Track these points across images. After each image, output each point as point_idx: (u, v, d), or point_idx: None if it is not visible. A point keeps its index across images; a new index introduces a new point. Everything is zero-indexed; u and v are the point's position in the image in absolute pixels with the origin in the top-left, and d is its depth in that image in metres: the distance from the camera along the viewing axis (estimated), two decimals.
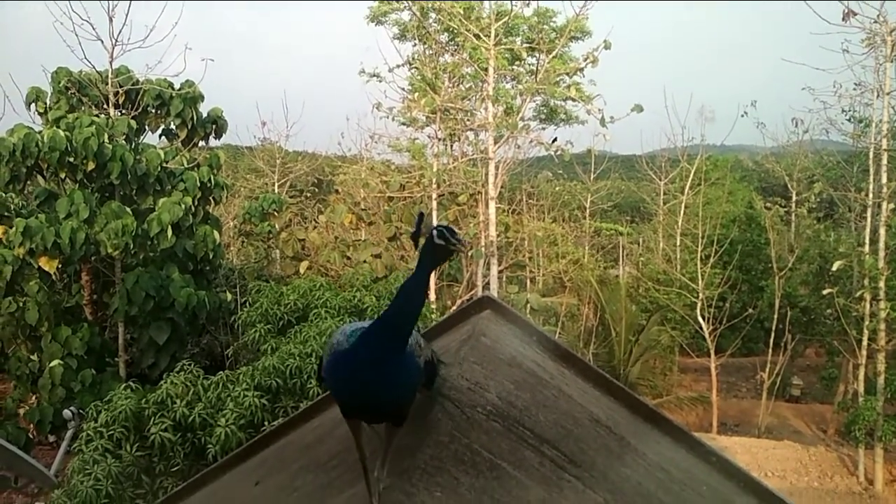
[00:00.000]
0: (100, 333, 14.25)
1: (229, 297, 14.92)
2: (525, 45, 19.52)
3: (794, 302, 23.06)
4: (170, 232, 13.47)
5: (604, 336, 21.68)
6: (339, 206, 19.51)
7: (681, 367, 25.51)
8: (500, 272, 18.79)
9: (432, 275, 16.46)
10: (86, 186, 13.61)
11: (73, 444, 9.46)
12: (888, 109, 17.98)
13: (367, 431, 2.08)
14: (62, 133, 12.84)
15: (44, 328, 13.68)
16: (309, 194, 28.73)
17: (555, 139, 18.28)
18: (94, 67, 14.99)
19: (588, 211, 30.11)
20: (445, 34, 20.91)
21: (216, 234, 14.92)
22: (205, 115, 15.98)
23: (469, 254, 18.88)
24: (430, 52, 21.38)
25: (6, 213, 13.77)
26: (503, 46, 18.46)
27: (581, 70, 18.67)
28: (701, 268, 21.37)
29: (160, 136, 16.41)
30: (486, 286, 17.77)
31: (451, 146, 21.05)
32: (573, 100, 19.33)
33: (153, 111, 15.77)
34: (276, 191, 24.82)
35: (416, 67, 20.65)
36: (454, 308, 14.51)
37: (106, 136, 13.29)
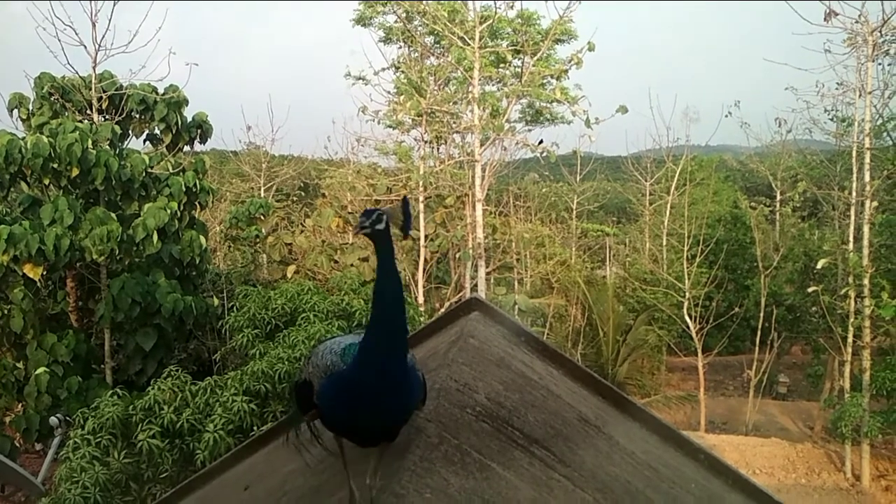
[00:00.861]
0: (86, 340, 14.13)
1: (216, 301, 14.84)
2: (510, 48, 19.58)
3: (779, 300, 23.23)
4: (155, 237, 13.39)
5: (591, 336, 21.77)
6: (326, 209, 19.48)
7: (668, 367, 25.65)
8: (487, 274, 18.81)
9: (420, 277, 16.46)
10: (70, 192, 13.50)
11: (60, 451, 9.38)
12: (870, 108, 18.15)
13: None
14: (45, 139, 12.74)
15: (29, 335, 13.56)
16: (295, 198, 28.66)
17: (541, 141, 18.34)
18: (77, 73, 14.90)
19: (575, 212, 30.22)
20: (430, 37, 20.94)
21: (202, 238, 14.85)
22: (189, 119, 15.90)
23: (458, 255, 18.91)
24: (416, 55, 21.41)
25: None
26: (488, 49, 18.51)
27: (566, 72, 18.74)
28: (687, 267, 21.49)
29: (145, 141, 16.32)
30: (474, 288, 17.78)
31: (438, 149, 21.09)
32: (558, 101, 19.40)
33: (137, 116, 15.67)
34: (263, 195, 24.73)
35: (401, 70, 20.69)
36: (442, 310, 14.51)
37: (90, 141, 13.19)
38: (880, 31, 17.50)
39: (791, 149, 27.36)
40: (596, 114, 17.95)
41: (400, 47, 21.77)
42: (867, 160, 18.15)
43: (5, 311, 13.41)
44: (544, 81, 19.28)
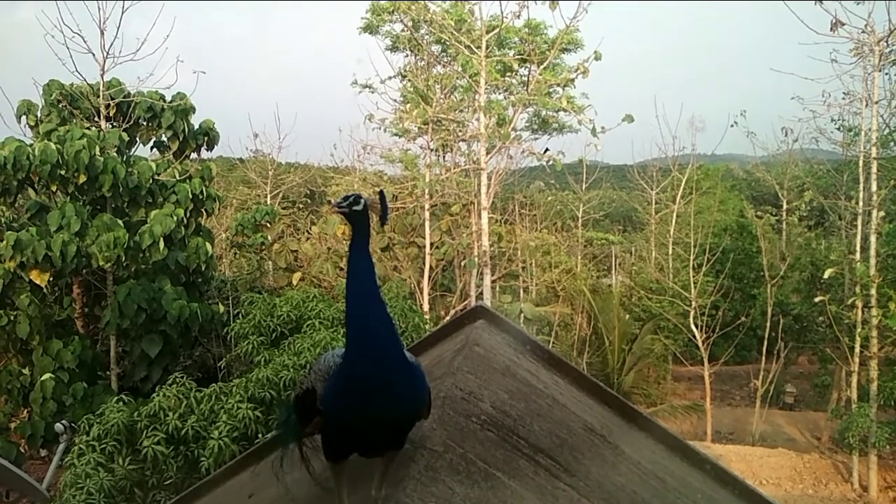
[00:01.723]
0: (91, 346, 14.16)
1: (222, 308, 14.86)
2: (516, 57, 19.61)
3: (786, 310, 23.15)
4: (162, 244, 13.42)
5: (597, 345, 21.71)
6: (332, 217, 19.49)
7: (674, 376, 25.55)
8: (493, 282, 18.81)
9: (425, 285, 16.45)
10: (77, 199, 13.55)
11: (65, 457, 9.39)
12: (877, 118, 18.13)
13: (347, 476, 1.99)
14: (53, 146, 12.80)
15: (35, 341, 13.60)
16: (301, 205, 28.73)
17: (546, 149, 18.35)
18: (85, 80, 14.96)
19: (580, 220, 30.20)
20: (437, 46, 21.00)
21: (208, 245, 14.88)
22: (196, 127, 15.96)
23: (463, 263, 18.90)
24: (422, 63, 21.47)
25: None
26: (495, 58, 18.54)
27: (572, 81, 18.77)
28: (693, 276, 21.45)
29: (152, 148, 16.39)
30: (480, 296, 17.77)
31: (444, 157, 21.11)
32: (565, 110, 19.42)
33: (145, 123, 15.74)
34: (269, 202, 24.79)
35: (408, 79, 20.74)
36: (448, 318, 14.48)
37: (97, 148, 13.25)
38: (887, 41, 17.50)
39: (797, 158, 27.33)
40: (602, 122, 18.03)
41: (406, 55, 21.85)
42: (874, 170, 18.11)
43: (12, 317, 13.45)
44: (551, 90, 19.30)
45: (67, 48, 14.10)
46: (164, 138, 15.97)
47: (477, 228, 17.99)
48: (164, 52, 18.51)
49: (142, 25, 16.08)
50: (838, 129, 20.15)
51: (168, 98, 15.55)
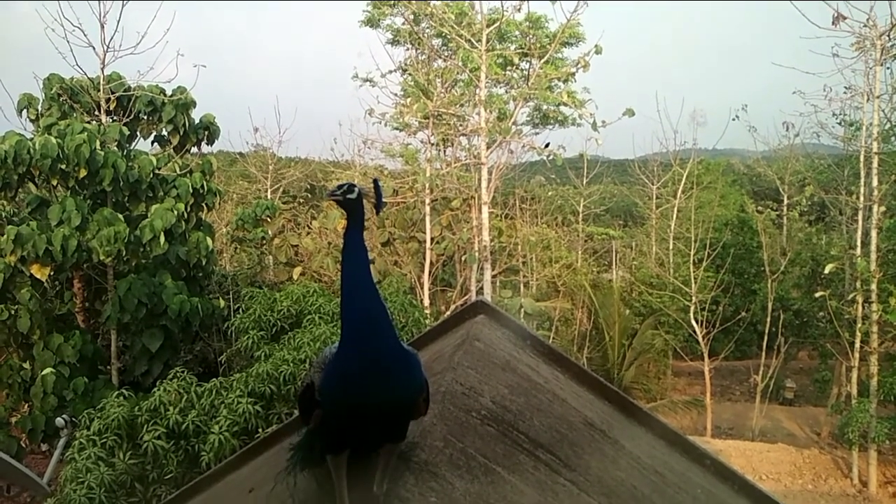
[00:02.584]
0: (92, 341, 14.17)
1: (222, 303, 14.87)
2: (517, 51, 19.59)
3: (786, 305, 23.14)
4: (162, 238, 13.42)
5: (597, 340, 21.73)
6: (333, 211, 19.49)
7: (674, 371, 25.57)
8: (493, 277, 18.81)
9: (426, 280, 16.44)
10: (78, 193, 13.55)
11: (66, 452, 9.41)
12: (878, 113, 18.09)
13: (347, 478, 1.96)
14: (54, 140, 12.79)
15: (36, 336, 13.60)
16: (302, 200, 28.69)
17: (547, 144, 18.35)
18: (85, 74, 14.96)
19: (581, 215, 30.19)
20: (438, 39, 20.96)
21: (209, 240, 14.88)
22: (197, 121, 15.95)
23: (463, 258, 18.89)
24: (423, 57, 21.43)
25: None
26: (495, 52, 18.52)
27: (573, 75, 18.73)
28: (694, 271, 21.44)
29: (152, 142, 16.37)
30: (480, 291, 17.77)
31: (444, 151, 21.10)
32: (565, 105, 19.40)
33: (145, 117, 15.73)
34: (269, 197, 24.77)
35: (408, 73, 20.71)
36: (448, 313, 14.49)
37: (98, 142, 13.24)
38: (888, 35, 17.45)
39: (799, 153, 27.33)
40: (603, 117, 17.97)
41: (407, 49, 21.80)
42: (875, 164, 18.08)
43: (12, 312, 13.45)
44: (551, 84, 19.27)
45: (68, 42, 14.09)
46: (164, 132, 15.96)
47: (477, 223, 17.98)
48: (165, 45, 18.52)
49: (142, 19, 16.05)
50: (839, 123, 20.13)
51: (168, 92, 15.53)
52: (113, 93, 14.89)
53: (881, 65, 17.75)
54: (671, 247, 26.26)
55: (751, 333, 24.52)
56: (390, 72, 20.73)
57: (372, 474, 1.92)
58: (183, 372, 9.23)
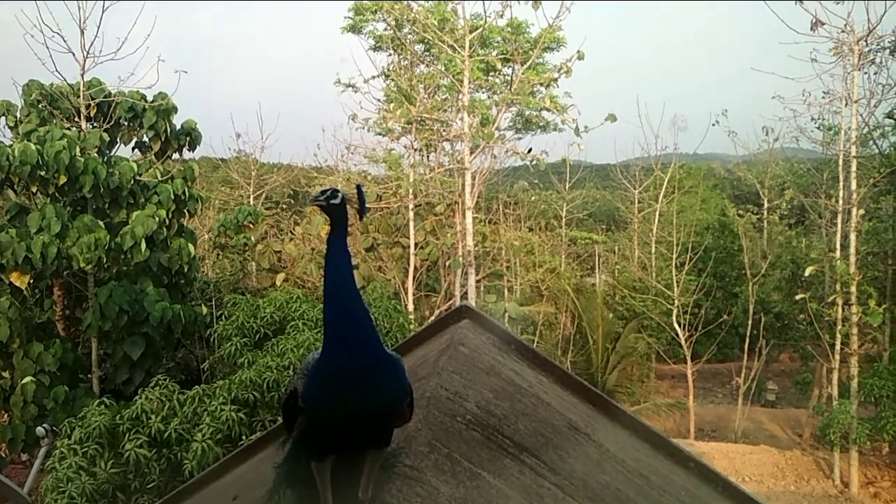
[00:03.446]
0: (73, 349, 14.03)
1: (205, 310, 14.76)
2: (499, 56, 19.65)
3: (767, 308, 23.36)
4: (143, 245, 13.32)
5: (581, 344, 21.79)
6: (316, 217, 19.42)
7: (658, 374, 25.71)
8: (477, 282, 18.82)
9: (410, 285, 16.41)
10: (58, 200, 13.42)
11: (47, 461, 9.30)
12: (856, 117, 18.33)
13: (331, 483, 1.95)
14: (33, 146, 12.67)
15: (15, 344, 13.45)
16: (285, 206, 28.59)
17: (530, 149, 18.40)
18: (65, 80, 14.83)
19: (564, 220, 30.31)
20: (420, 45, 20.99)
21: (191, 246, 14.78)
22: (178, 127, 15.85)
23: (447, 263, 18.90)
24: (406, 62, 21.45)
25: None
26: (478, 57, 18.57)
27: (555, 80, 18.82)
28: (676, 275, 21.59)
29: (133, 148, 16.23)
30: (464, 296, 17.78)
31: (428, 157, 21.13)
32: (548, 110, 19.48)
33: (126, 124, 15.60)
34: (252, 203, 24.67)
35: (391, 78, 20.73)
36: (432, 318, 14.49)
37: (78, 149, 13.13)
38: (866, 41, 17.71)
39: (778, 157, 27.58)
40: (585, 122, 18.09)
41: (390, 55, 21.82)
42: (853, 168, 18.31)
43: None
44: (534, 89, 19.35)
45: (47, 48, 13.96)
46: (145, 138, 15.82)
47: (461, 228, 18.00)
48: (145, 51, 18.42)
49: (122, 24, 15.97)
50: (818, 128, 20.35)
51: (149, 98, 15.43)
52: (93, 99, 14.77)
53: (859, 69, 18.01)
54: (653, 251, 26.42)
55: (732, 336, 24.74)
56: (373, 77, 20.75)
57: (357, 480, 1.91)
58: (165, 380, 9.16)
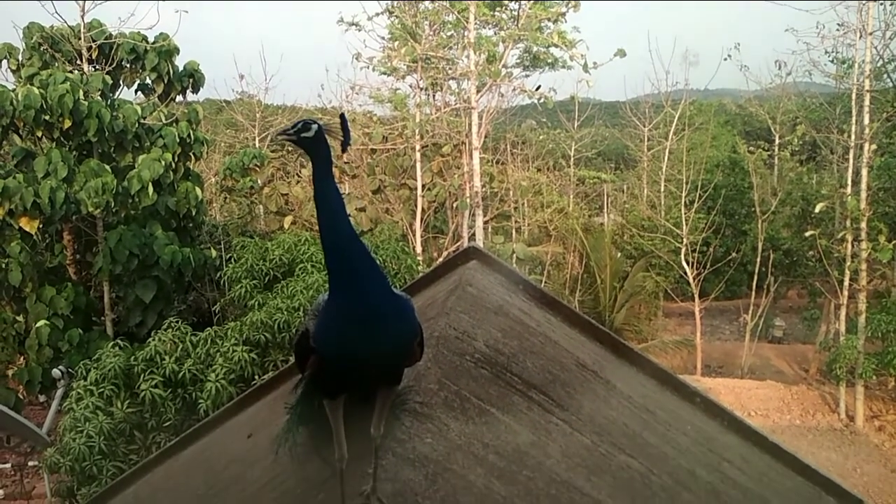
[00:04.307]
0: (85, 293, 14.16)
1: (214, 253, 14.82)
2: None
3: (776, 245, 23.28)
4: (151, 189, 13.30)
5: (589, 283, 21.84)
6: None
7: (665, 312, 25.83)
8: (485, 223, 18.82)
9: (418, 227, 16.40)
10: (63, 145, 13.37)
11: (64, 402, 9.50)
12: (871, 50, 17.92)
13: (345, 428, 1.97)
14: (36, 90, 12.55)
15: (28, 289, 13.58)
16: (291, 148, 28.36)
17: (538, 87, 18.15)
18: (65, 22, 14.63)
19: (572, 159, 30.04)
20: None
21: (198, 190, 14.76)
22: (181, 68, 15.64)
23: (455, 204, 18.85)
24: None
25: None
26: None
27: (563, 15, 18.42)
28: (685, 213, 21.48)
29: (136, 91, 16.07)
30: (472, 237, 17.80)
31: (434, 96, 20.83)
32: (556, 46, 19.09)
33: (128, 66, 15.41)
34: (257, 145, 24.53)
35: (395, 15, 20.29)
36: (440, 259, 14.54)
37: (81, 92, 12.99)
38: None
39: (791, 92, 27.08)
40: (594, 58, 17.76)
41: None
42: (867, 102, 17.99)
43: (3, 265, 13.39)
44: (541, 25, 18.94)
45: None
46: (148, 81, 15.65)
47: (468, 169, 17.89)
48: None
49: None
50: (832, 61, 19.92)
51: (150, 39, 15.20)
52: (94, 41, 14.57)
53: (875, 0, 17.53)
54: (662, 189, 26.25)
55: (741, 274, 24.72)
56: (377, 14, 20.31)
57: (369, 417, 1.94)
58: (177, 322, 9.27)
